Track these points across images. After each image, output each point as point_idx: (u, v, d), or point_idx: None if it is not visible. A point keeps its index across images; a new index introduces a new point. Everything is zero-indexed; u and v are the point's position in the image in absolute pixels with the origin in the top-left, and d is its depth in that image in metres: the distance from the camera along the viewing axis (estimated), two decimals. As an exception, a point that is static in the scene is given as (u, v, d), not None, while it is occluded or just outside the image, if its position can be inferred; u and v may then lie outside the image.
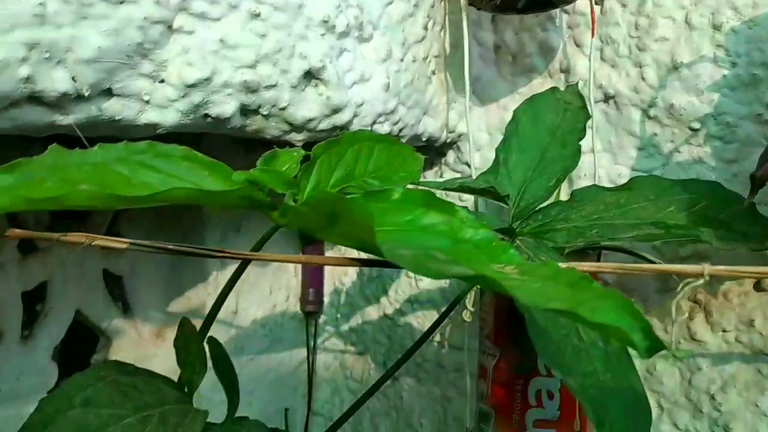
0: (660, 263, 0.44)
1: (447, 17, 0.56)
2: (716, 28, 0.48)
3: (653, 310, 0.52)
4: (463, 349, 0.62)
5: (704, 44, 0.49)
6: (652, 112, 0.51)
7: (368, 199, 0.32)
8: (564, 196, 0.50)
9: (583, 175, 0.53)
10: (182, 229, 0.61)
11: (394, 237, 0.30)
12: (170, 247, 0.34)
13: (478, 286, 0.48)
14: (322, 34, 0.42)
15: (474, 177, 0.51)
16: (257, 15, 0.37)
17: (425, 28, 0.52)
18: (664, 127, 0.51)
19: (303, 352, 0.70)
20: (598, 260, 0.47)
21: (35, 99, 0.30)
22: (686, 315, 0.49)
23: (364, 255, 0.30)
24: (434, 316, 0.64)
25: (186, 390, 0.34)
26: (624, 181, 0.47)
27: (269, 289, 0.67)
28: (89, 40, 0.30)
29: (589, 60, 0.51)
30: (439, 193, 0.41)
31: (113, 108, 0.33)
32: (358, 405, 0.45)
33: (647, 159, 0.52)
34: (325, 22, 0.41)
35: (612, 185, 0.51)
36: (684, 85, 0.50)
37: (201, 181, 0.29)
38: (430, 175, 0.62)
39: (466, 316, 0.48)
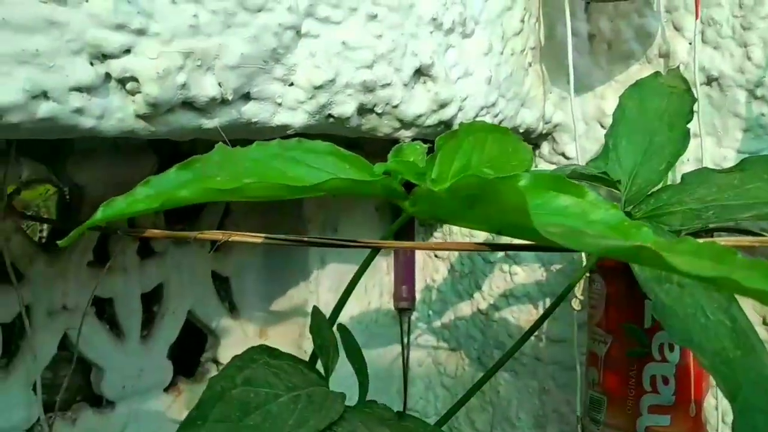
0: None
1: (541, 9, 0.57)
2: (828, 1, 0.47)
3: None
4: (561, 341, 0.62)
5: (815, 19, 0.48)
6: (759, 92, 0.50)
7: (497, 184, 0.33)
8: (668, 181, 0.50)
9: (687, 160, 0.53)
10: (284, 230, 0.63)
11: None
12: (304, 239, 0.36)
13: (588, 275, 0.49)
14: (431, 32, 0.43)
15: (579, 165, 0.51)
16: (374, 16, 0.39)
17: (522, 20, 0.53)
18: (772, 107, 0.50)
19: (397, 349, 0.71)
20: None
21: (188, 104, 0.33)
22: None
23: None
24: (530, 310, 0.64)
25: (323, 373, 0.36)
26: (730, 164, 0.46)
27: (364, 287, 0.69)
28: (234, 47, 0.33)
29: (693, 43, 0.50)
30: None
31: (251, 111, 0.35)
32: (460, 404, 0.45)
33: (754, 140, 0.51)
34: (434, 19, 0.43)
35: (717, 168, 0.51)
36: (793, 62, 0.49)
37: (343, 173, 0.31)
38: (524, 168, 0.62)
39: (576, 304, 0.49)
